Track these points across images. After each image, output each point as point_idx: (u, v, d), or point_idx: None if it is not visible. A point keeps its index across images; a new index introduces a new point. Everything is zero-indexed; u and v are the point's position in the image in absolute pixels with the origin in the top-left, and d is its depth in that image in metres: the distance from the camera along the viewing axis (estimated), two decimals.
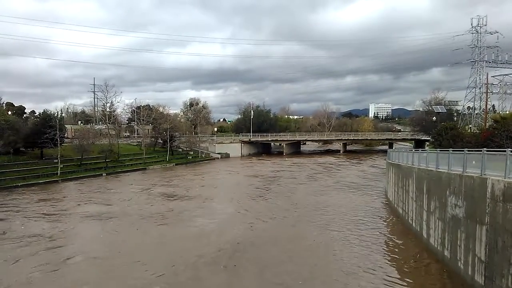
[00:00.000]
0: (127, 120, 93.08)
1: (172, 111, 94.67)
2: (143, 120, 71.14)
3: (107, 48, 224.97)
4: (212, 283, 14.73)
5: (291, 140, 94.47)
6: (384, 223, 24.47)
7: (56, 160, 45.63)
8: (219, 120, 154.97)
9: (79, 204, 30.57)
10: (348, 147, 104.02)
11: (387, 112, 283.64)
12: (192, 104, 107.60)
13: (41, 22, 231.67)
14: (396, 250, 18.61)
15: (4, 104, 77.08)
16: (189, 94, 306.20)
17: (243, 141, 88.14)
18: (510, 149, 11.05)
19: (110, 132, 68.56)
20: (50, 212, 27.60)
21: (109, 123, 69.36)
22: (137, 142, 74.55)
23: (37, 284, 14.64)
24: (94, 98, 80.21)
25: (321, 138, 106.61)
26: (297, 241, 20.06)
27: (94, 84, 79.51)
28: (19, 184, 39.28)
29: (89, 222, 24.82)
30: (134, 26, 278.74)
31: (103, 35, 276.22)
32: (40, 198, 33.21)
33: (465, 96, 72.43)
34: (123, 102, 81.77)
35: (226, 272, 15.65)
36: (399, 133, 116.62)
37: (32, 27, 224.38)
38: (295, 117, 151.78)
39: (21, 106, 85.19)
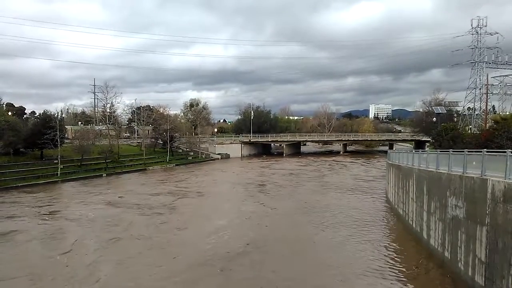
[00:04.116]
0: (127, 121, 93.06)
1: (173, 111, 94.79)
2: (143, 121, 71.15)
3: (110, 49, 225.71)
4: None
5: (291, 141, 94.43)
6: (384, 224, 24.44)
7: (56, 161, 45.61)
8: (219, 121, 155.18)
9: (81, 203, 30.62)
10: (348, 148, 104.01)
11: (387, 113, 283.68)
12: (193, 105, 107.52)
13: (44, 23, 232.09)
14: (396, 251, 18.57)
15: (4, 105, 77.17)
16: (190, 95, 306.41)
17: (243, 141, 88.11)
18: (510, 150, 11.04)
19: (110, 133, 68.54)
20: (49, 212, 27.62)
21: (109, 123, 69.36)
22: (137, 142, 74.53)
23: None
24: (95, 98, 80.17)
25: (321, 139, 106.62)
26: (300, 243, 20.09)
27: (94, 85, 79.54)
28: (19, 185, 39.24)
29: (81, 224, 24.80)
30: (137, 27, 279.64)
31: (105, 36, 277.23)
32: (40, 199, 33.21)
33: (465, 97, 72.54)
34: (124, 103, 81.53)
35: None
36: (399, 134, 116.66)
37: (34, 28, 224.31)
38: (295, 117, 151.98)
39: (21, 106, 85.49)
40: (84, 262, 16.88)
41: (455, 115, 78.34)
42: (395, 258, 17.27)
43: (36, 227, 23.57)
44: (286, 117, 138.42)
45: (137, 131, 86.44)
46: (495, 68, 68.81)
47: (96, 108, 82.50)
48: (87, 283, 14.62)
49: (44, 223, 24.57)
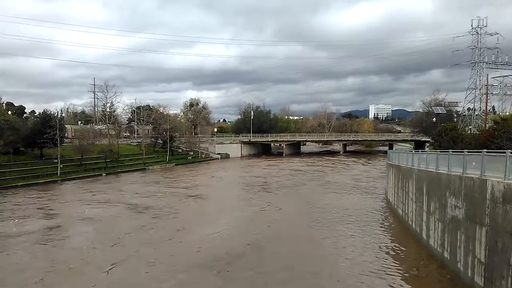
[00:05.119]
0: (127, 121, 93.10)
1: (173, 111, 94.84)
2: (143, 120, 71.15)
3: (111, 49, 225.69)
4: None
5: (291, 141, 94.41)
6: (384, 224, 24.44)
7: (56, 160, 45.61)
8: (219, 120, 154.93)
9: (82, 203, 30.62)
10: (348, 148, 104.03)
11: (387, 113, 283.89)
12: (192, 105, 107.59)
13: (44, 23, 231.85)
14: (395, 251, 18.56)
15: (4, 104, 77.17)
16: (190, 94, 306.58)
17: (243, 141, 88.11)
18: (510, 151, 11.02)
19: (110, 132, 68.57)
20: (53, 212, 27.64)
21: (109, 123, 69.37)
22: (137, 142, 74.50)
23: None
24: (94, 98, 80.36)
25: (321, 139, 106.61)
26: (300, 243, 20.10)
27: (94, 84, 79.69)
28: (19, 184, 39.25)
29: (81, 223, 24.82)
30: (137, 27, 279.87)
31: (106, 36, 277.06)
32: (41, 198, 33.25)
33: (465, 97, 72.45)
34: (124, 102, 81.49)
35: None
36: (399, 134, 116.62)
37: (35, 27, 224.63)
38: (295, 117, 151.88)
39: (21, 105, 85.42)
40: (94, 257, 17.62)
41: (455, 115, 78.31)
42: (395, 259, 17.26)
43: (42, 225, 23.69)
44: (286, 117, 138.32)
45: (137, 131, 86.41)
46: (495, 68, 68.71)
47: (96, 108, 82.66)
48: (99, 273, 15.48)
49: (49, 222, 24.60)
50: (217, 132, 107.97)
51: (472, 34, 69.24)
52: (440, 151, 18.99)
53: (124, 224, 24.30)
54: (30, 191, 37.10)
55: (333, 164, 67.45)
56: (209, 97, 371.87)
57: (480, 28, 68.64)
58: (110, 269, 16.12)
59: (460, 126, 60.49)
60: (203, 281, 14.96)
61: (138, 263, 16.82)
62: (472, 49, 69.54)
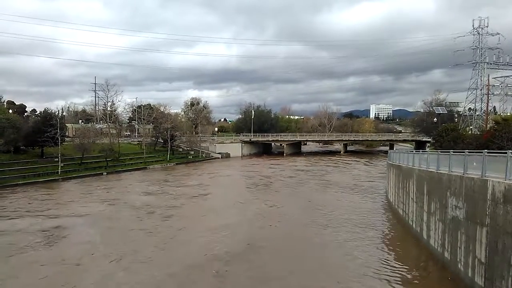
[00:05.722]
0: (128, 119, 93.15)
1: (174, 110, 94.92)
2: (144, 119, 71.17)
3: (112, 48, 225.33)
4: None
5: (292, 141, 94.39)
6: (385, 224, 24.43)
7: (57, 159, 45.62)
8: (220, 120, 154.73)
9: (84, 202, 30.69)
10: (349, 148, 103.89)
11: (388, 113, 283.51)
12: (193, 104, 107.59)
13: (46, 21, 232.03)
14: (396, 252, 18.56)
15: (5, 103, 77.30)
16: (191, 93, 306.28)
17: (243, 141, 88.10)
18: (511, 151, 11.02)
19: (111, 131, 68.60)
20: (52, 210, 27.71)
21: (110, 122, 69.40)
22: (138, 141, 74.59)
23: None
24: (95, 97, 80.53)
25: (322, 139, 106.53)
26: (301, 243, 20.16)
27: (95, 83, 79.87)
28: (20, 183, 39.24)
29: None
30: (139, 26, 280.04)
31: (107, 35, 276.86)
32: (43, 197, 33.31)
33: (466, 98, 72.34)
34: (125, 101, 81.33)
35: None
36: (400, 134, 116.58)
37: (37, 26, 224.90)
38: (296, 117, 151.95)
39: (22, 104, 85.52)
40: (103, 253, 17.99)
41: (456, 115, 78.35)
42: (395, 259, 17.25)
43: (49, 224, 23.86)
44: (287, 116, 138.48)
45: (138, 130, 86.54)
46: (496, 68, 68.58)
47: (97, 107, 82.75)
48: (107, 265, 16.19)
49: (53, 221, 24.67)
50: (218, 131, 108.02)
51: (474, 34, 69.18)
52: (441, 151, 18.99)
53: (130, 221, 24.53)
54: (41, 189, 37.29)
55: (334, 163, 67.38)
56: (210, 96, 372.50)
57: (482, 28, 68.54)
58: (110, 267, 16.20)
59: (461, 126, 60.46)
60: (203, 280, 14.97)
61: (140, 262, 16.83)
62: (474, 49, 69.43)
